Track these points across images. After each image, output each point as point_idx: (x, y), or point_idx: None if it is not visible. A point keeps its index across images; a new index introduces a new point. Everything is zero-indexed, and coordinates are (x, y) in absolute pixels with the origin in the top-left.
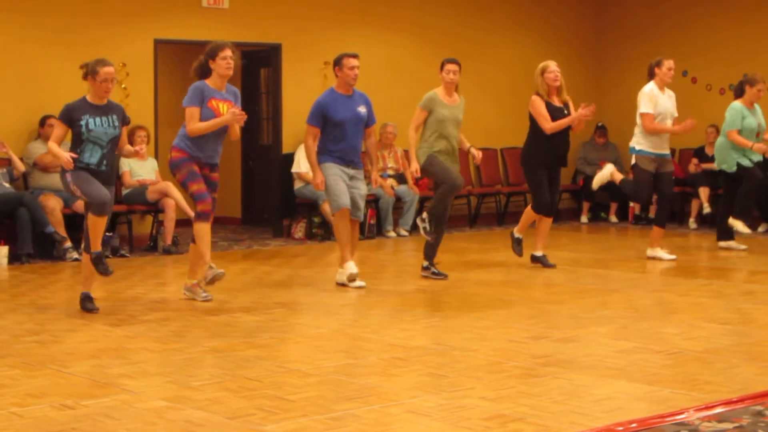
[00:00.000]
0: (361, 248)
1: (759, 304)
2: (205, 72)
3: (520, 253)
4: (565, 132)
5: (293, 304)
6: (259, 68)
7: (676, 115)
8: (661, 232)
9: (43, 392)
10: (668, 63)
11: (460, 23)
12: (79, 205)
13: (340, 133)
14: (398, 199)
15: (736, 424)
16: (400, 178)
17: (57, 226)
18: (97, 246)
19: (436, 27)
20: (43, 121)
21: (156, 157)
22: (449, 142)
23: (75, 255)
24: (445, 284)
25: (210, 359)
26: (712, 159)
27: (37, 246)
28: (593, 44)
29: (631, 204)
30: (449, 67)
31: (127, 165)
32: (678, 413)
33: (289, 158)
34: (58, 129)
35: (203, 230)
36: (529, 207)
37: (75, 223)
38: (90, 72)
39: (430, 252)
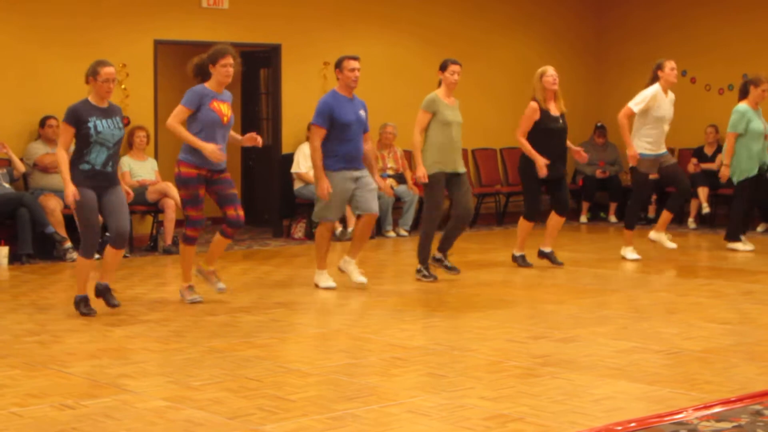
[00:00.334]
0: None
1: (758, 303)
2: (203, 72)
3: (529, 265)
4: (561, 141)
5: (293, 304)
6: (258, 69)
7: (672, 118)
8: (669, 218)
9: (43, 392)
10: (670, 63)
11: (460, 23)
12: None
13: (346, 135)
14: (398, 199)
15: (734, 424)
16: (400, 178)
17: (57, 226)
18: (83, 289)
19: (436, 27)
20: (43, 122)
21: (156, 157)
22: (454, 145)
23: (75, 255)
24: (445, 284)
25: (210, 359)
26: (711, 159)
27: (37, 246)
28: (593, 44)
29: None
30: (454, 68)
31: (127, 165)
32: (677, 413)
33: (289, 158)
34: (65, 133)
35: (188, 252)
36: (521, 219)
37: (75, 224)
38: (91, 73)
39: (425, 255)
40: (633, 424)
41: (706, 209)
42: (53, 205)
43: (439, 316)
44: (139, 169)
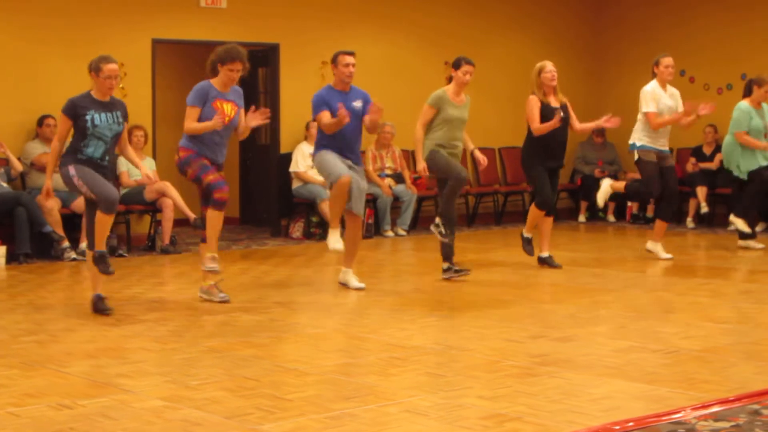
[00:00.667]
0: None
1: (757, 303)
2: (216, 70)
3: (531, 253)
4: (561, 132)
5: (291, 304)
6: (257, 68)
7: (675, 110)
8: (664, 227)
9: (40, 392)
10: (665, 61)
11: (459, 23)
12: (79, 204)
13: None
14: (396, 199)
15: (732, 423)
16: (398, 178)
17: (55, 225)
18: (101, 245)
19: (435, 27)
20: (41, 121)
21: (153, 156)
22: (454, 142)
23: (73, 255)
24: (443, 284)
25: (208, 359)
26: (709, 158)
27: (35, 246)
28: (592, 43)
29: (629, 203)
30: (467, 68)
31: (125, 165)
32: (675, 412)
33: (287, 158)
34: (62, 124)
35: (216, 217)
36: (533, 205)
37: (73, 223)
38: (94, 68)
39: (448, 252)
40: (631, 424)
41: (704, 209)
42: (51, 204)
43: (437, 316)
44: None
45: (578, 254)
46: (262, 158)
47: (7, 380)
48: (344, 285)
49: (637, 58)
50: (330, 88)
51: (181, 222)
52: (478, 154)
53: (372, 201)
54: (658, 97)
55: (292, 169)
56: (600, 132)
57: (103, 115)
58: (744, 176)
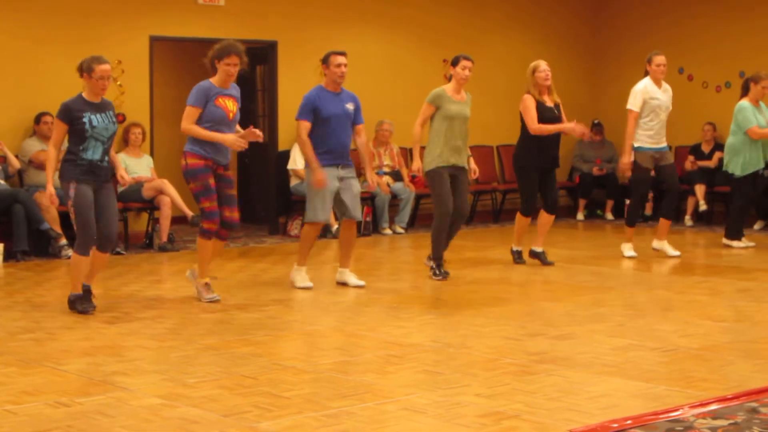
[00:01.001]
0: (357, 245)
1: (755, 301)
2: (214, 69)
3: (520, 262)
4: (554, 133)
5: (289, 302)
6: (255, 65)
7: (671, 108)
8: (668, 224)
9: (38, 390)
10: (657, 59)
11: (457, 21)
12: None
13: (328, 129)
14: (394, 197)
15: (730, 421)
16: (396, 176)
17: (52, 223)
18: (76, 287)
19: (433, 24)
20: (38, 119)
21: (151, 154)
22: (457, 140)
23: (70, 252)
24: (441, 282)
25: (205, 356)
26: (708, 156)
27: (32, 243)
28: (589, 41)
29: (627, 201)
30: (465, 63)
31: (122, 162)
32: (673, 410)
33: (285, 155)
34: (58, 129)
35: (204, 245)
36: (518, 214)
37: (70, 221)
38: (86, 69)
39: (437, 252)
40: (629, 422)
41: (703, 206)
42: (48, 201)
43: (434, 314)
44: (135, 166)
45: (576, 252)
46: (260, 156)
47: (5, 378)
48: (344, 284)
49: (635, 56)
50: (321, 89)
51: (178, 219)
52: (472, 164)
53: (370, 198)
54: (649, 93)
55: (290, 166)
56: (598, 130)
57: (98, 116)
58: (740, 173)
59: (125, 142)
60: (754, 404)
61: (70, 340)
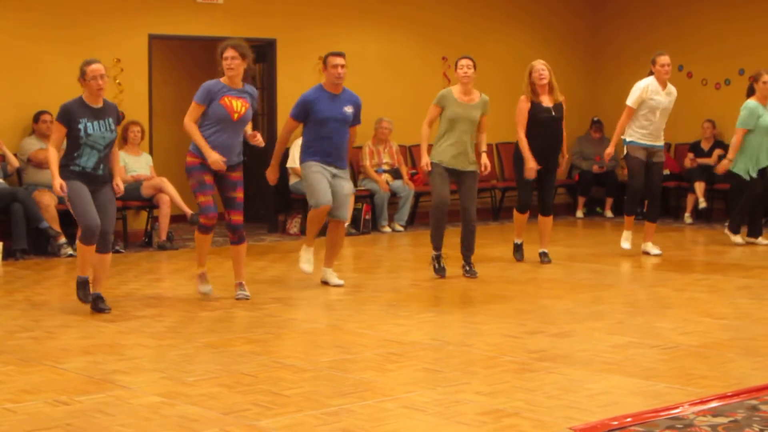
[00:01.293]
0: (356, 243)
1: (755, 298)
2: (221, 68)
3: (519, 258)
4: (550, 134)
5: (288, 300)
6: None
7: (670, 110)
8: (653, 226)
9: (37, 388)
10: (661, 59)
11: (455, 19)
12: None
13: (323, 131)
14: (393, 195)
15: (730, 419)
16: (396, 173)
17: (51, 221)
18: (84, 270)
19: (431, 22)
20: (37, 117)
21: (150, 152)
22: (460, 143)
23: (69, 251)
24: (440, 279)
25: (205, 355)
26: (707, 154)
27: (31, 242)
28: (589, 39)
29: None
30: (462, 62)
31: (122, 160)
32: (673, 408)
33: (284, 153)
34: (57, 132)
35: (201, 239)
36: (514, 211)
37: (69, 219)
38: (80, 74)
39: (435, 243)
40: (629, 419)
41: (702, 204)
42: (47, 200)
43: (434, 311)
44: (134, 164)
45: (576, 250)
46: (259, 154)
47: (4, 376)
48: (325, 283)
49: (634, 54)
50: (320, 89)
51: (178, 218)
52: (484, 159)
53: (369, 196)
54: (649, 93)
55: (289, 164)
56: (598, 127)
57: (95, 123)
58: (746, 176)
59: (124, 140)
60: (754, 402)
61: (69, 339)
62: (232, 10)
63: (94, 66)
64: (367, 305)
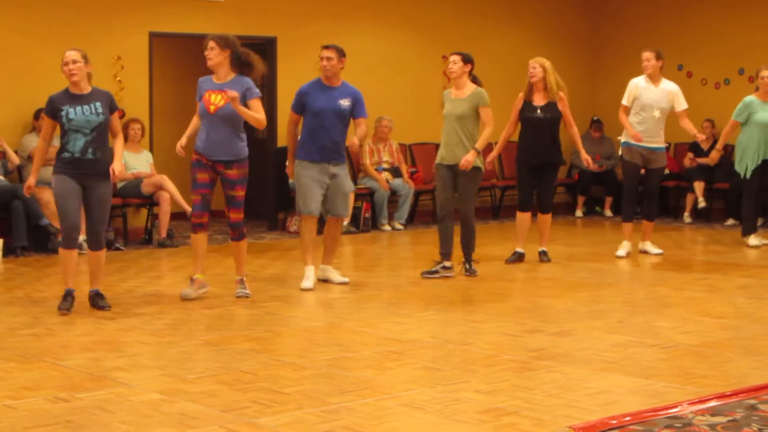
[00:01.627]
0: (356, 242)
1: (754, 298)
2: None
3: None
4: (540, 131)
5: (288, 298)
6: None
7: (667, 108)
8: (650, 225)
9: (37, 385)
10: (643, 54)
11: (455, 17)
12: None
13: (317, 123)
14: (393, 193)
15: (729, 418)
16: (395, 172)
17: (52, 218)
18: (69, 282)
19: (431, 21)
20: (37, 114)
21: (150, 150)
22: (449, 138)
23: None
24: (440, 278)
25: (205, 352)
26: (707, 153)
27: (31, 239)
28: (588, 38)
29: None
30: (450, 58)
31: (122, 158)
32: (672, 407)
33: (284, 151)
34: (45, 124)
35: (193, 239)
36: (517, 212)
37: None
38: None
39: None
40: (628, 418)
41: (702, 203)
42: (48, 197)
43: (434, 310)
44: (134, 161)
45: (575, 249)
46: (259, 152)
47: (4, 373)
48: (326, 281)
49: (634, 53)
50: (316, 82)
51: (178, 215)
52: (468, 156)
53: (369, 195)
54: (641, 90)
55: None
56: (598, 126)
57: (78, 108)
58: (746, 173)
59: (124, 138)
60: (753, 401)
61: (69, 336)
62: (232, 7)
63: (66, 53)
64: (367, 303)
